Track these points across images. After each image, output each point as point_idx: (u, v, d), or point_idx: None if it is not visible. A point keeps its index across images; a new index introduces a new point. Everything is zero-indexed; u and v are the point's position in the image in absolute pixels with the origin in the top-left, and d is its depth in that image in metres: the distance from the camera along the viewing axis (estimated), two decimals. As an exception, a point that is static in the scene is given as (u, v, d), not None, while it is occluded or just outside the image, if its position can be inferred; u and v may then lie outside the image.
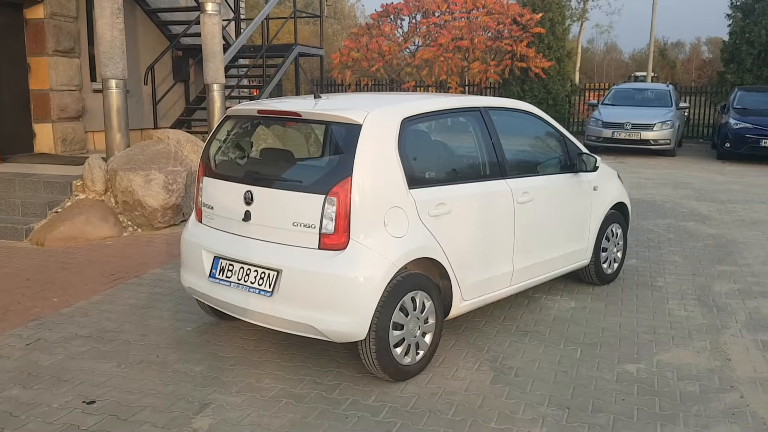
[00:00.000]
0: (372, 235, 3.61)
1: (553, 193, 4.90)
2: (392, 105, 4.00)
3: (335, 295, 3.55)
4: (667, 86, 17.46)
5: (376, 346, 3.64)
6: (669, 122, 14.86)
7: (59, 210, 7.22)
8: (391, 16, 19.54)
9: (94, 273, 5.85)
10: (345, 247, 3.57)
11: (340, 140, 3.77)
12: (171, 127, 10.67)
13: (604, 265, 5.59)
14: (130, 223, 7.28)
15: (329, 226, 3.58)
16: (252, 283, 3.81)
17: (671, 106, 15.75)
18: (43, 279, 5.67)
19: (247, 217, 3.88)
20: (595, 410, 3.53)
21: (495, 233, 4.37)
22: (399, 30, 19.57)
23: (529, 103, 21.21)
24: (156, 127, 10.54)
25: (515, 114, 4.89)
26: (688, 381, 3.87)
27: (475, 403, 3.59)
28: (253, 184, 3.87)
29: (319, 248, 3.62)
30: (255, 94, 12.00)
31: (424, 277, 3.86)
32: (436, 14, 19.20)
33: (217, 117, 9.69)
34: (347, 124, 3.72)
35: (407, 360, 3.81)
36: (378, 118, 3.74)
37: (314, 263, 3.60)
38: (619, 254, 5.81)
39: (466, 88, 20.30)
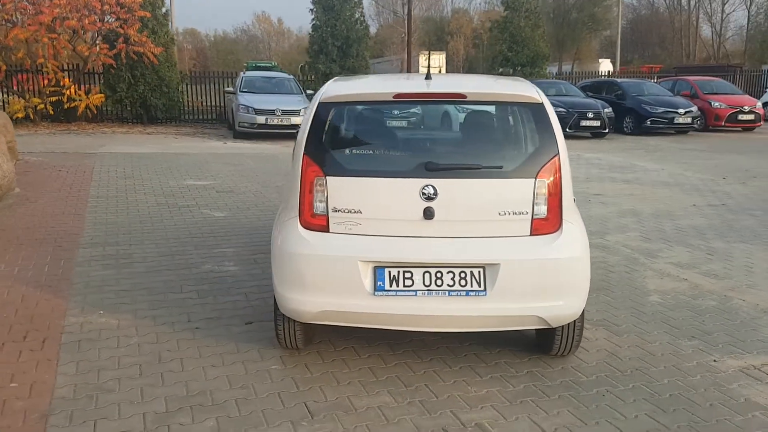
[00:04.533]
0: (574, 214, 3.53)
1: None
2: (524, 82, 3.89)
3: (564, 279, 3.35)
4: (289, 76, 18.67)
5: (581, 323, 3.60)
6: (306, 107, 16.00)
7: None
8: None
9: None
10: (557, 230, 3.39)
11: (527, 120, 3.54)
12: None
13: None
14: None
15: (542, 210, 3.36)
16: (451, 285, 3.27)
17: (301, 93, 16.92)
18: None
19: (428, 214, 3.29)
20: (701, 334, 4.16)
21: None
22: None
23: (143, 89, 19.72)
24: None
25: None
26: (702, 299, 4.79)
27: (650, 356, 3.83)
28: (434, 177, 3.30)
29: (531, 235, 3.36)
30: None
31: None
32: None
33: None
34: (529, 103, 3.53)
35: (571, 332, 3.84)
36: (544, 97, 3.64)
37: (536, 251, 3.32)
38: None
39: (69, 73, 17.77)
